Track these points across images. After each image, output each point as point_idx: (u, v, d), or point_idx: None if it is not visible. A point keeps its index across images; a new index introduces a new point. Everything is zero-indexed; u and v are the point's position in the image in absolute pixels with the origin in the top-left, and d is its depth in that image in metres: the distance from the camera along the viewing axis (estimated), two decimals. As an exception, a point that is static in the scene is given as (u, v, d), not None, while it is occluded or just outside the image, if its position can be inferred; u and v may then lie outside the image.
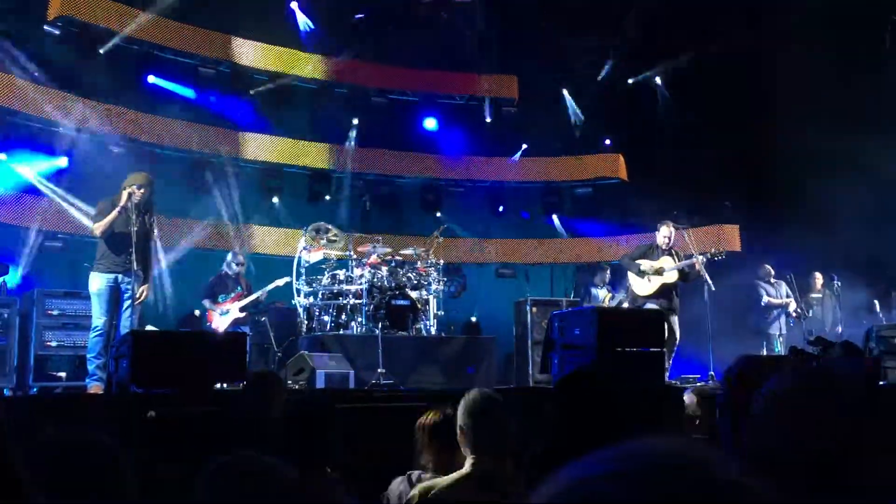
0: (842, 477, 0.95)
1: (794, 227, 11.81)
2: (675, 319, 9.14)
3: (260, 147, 13.65)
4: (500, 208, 14.82)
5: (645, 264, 9.30)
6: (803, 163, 12.99)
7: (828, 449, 1.77)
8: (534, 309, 10.74)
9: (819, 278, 11.88)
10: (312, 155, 14.00)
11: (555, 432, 1.91)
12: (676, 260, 9.23)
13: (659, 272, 9.22)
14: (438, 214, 13.93)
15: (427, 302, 9.96)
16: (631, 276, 9.39)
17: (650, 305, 9.07)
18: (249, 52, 13.57)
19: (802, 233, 11.74)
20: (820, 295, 11.77)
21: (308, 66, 14.01)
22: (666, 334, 8.65)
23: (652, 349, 7.38)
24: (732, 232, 12.75)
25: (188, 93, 12.99)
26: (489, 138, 14.89)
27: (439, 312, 10.16)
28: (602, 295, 11.41)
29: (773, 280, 11.56)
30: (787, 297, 11.48)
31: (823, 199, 12.40)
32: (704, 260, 9.04)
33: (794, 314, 11.50)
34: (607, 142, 14.94)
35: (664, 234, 9.32)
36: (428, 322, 9.87)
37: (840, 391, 1.83)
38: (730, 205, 12.22)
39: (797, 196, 12.85)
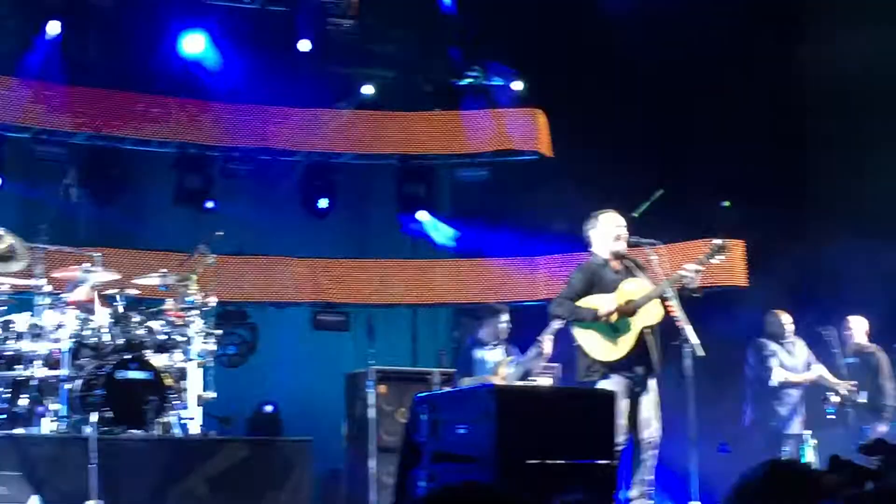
0: None
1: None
2: (652, 387, 5.64)
3: None
4: (325, 202, 9.76)
5: (598, 302, 5.60)
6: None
7: None
8: (381, 387, 7.85)
9: (858, 326, 7.51)
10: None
11: None
12: (645, 275, 5.68)
13: (628, 310, 5.53)
14: (209, 205, 9.45)
15: (184, 374, 7.24)
16: (580, 333, 5.73)
17: (616, 378, 5.50)
18: None
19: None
20: (860, 359, 7.58)
21: None
22: (626, 427, 5.52)
23: (597, 461, 5.09)
24: (734, 251, 7.95)
25: None
26: (298, 75, 9.96)
27: (208, 394, 7.40)
28: (492, 359, 7.55)
29: (789, 336, 7.47)
30: (809, 366, 7.38)
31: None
32: (696, 276, 5.45)
33: (839, 402, 7.02)
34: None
35: (612, 223, 5.73)
36: (185, 412, 7.20)
37: None
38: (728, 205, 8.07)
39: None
